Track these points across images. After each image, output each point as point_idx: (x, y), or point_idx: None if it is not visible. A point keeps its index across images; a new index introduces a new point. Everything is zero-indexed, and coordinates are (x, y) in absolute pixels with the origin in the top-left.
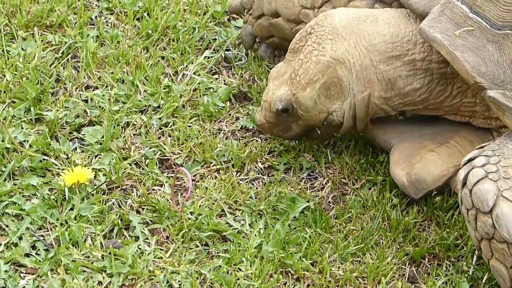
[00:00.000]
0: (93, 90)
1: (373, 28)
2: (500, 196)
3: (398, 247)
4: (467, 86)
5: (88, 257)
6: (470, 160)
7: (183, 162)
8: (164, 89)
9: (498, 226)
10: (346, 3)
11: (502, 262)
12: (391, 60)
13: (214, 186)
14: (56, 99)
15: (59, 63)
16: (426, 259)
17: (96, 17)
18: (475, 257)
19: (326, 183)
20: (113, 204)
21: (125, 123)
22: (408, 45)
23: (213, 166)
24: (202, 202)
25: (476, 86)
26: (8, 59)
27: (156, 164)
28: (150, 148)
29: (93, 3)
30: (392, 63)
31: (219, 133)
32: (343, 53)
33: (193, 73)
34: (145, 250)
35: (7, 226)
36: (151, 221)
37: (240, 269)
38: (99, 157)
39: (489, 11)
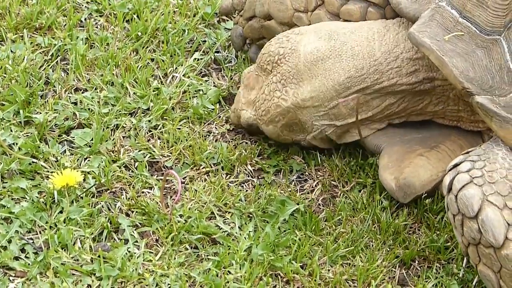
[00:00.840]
0: (82, 93)
1: (338, 65)
2: (485, 201)
3: (388, 249)
4: (447, 97)
5: (77, 260)
6: (455, 165)
7: (173, 165)
8: (153, 91)
9: (484, 231)
10: (339, 6)
11: (489, 267)
12: (360, 92)
13: (204, 188)
14: (45, 102)
15: (48, 65)
16: (416, 262)
17: (85, 19)
18: (465, 259)
19: (316, 186)
20: (103, 207)
21: (114, 126)
22: (375, 75)
23: (202, 168)
24: (191, 204)
25: (464, 92)
26: None
27: (146, 167)
28: (139, 151)
29: (82, 5)
30: (363, 92)
31: (209, 135)
32: (305, 99)
33: (183, 75)
34: (135, 253)
35: None
36: (140, 224)
37: (229, 272)
38: (89, 160)
39: (478, 16)
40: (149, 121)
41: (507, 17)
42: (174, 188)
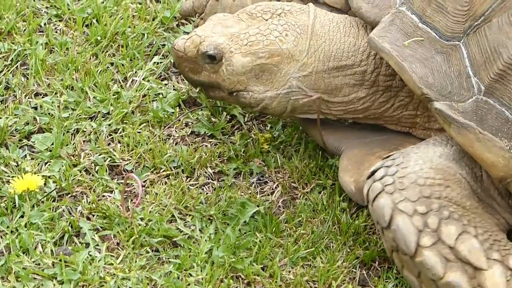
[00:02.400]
0: (42, 97)
1: (335, 34)
2: (395, 209)
3: (349, 250)
4: (410, 99)
5: (39, 264)
6: (373, 172)
7: (133, 168)
8: (113, 95)
9: (397, 240)
10: None
11: (411, 272)
12: (344, 68)
13: (164, 191)
14: (5, 107)
15: (8, 70)
16: (377, 262)
17: (45, 24)
18: None
19: (276, 188)
20: (63, 211)
21: (74, 130)
22: (362, 56)
23: (163, 171)
24: (152, 208)
25: (423, 98)
26: None
27: (106, 171)
28: (100, 155)
29: (42, 10)
30: (344, 71)
31: (169, 139)
32: (301, 52)
33: (143, 79)
34: (96, 256)
35: None
36: (101, 227)
37: (190, 275)
38: (49, 164)
39: (438, 21)
40: (109, 125)
41: (467, 23)
42: (134, 192)
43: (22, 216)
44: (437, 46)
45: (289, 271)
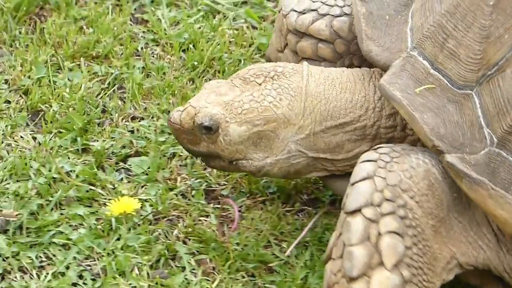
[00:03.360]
0: (139, 121)
1: (330, 93)
2: (370, 178)
3: None
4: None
5: (135, 287)
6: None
7: (229, 193)
8: None
9: (349, 195)
10: (295, 44)
11: (336, 229)
12: (343, 125)
13: (260, 217)
14: (102, 130)
15: (105, 93)
16: None
17: (142, 48)
18: None
19: None
20: (160, 234)
21: (171, 154)
22: (360, 111)
23: (259, 197)
24: (248, 233)
25: (435, 150)
26: (54, 89)
27: (202, 195)
28: (196, 179)
29: (139, 35)
30: (343, 128)
31: None
32: (296, 116)
33: None
34: (192, 280)
35: (54, 255)
36: (197, 251)
37: None
38: (146, 188)
39: (450, 69)
40: None
41: (480, 71)
42: (230, 217)
43: (118, 239)
44: (449, 94)
45: None
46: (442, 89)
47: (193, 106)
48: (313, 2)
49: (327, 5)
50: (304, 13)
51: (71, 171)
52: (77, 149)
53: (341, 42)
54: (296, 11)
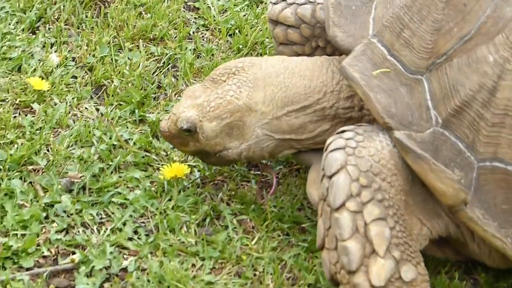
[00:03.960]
0: None
1: (290, 81)
2: (344, 168)
3: None
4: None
5: (183, 242)
6: (343, 131)
7: (268, 162)
8: None
9: (329, 191)
10: (272, 30)
11: (323, 223)
12: (303, 109)
13: (295, 183)
14: (157, 103)
15: (160, 71)
16: None
17: (193, 32)
18: None
19: None
20: (206, 196)
21: None
22: (318, 95)
23: (294, 166)
24: (284, 197)
25: (386, 126)
26: (116, 67)
27: (244, 163)
28: None
29: (191, 20)
30: (304, 111)
31: None
32: (257, 103)
33: None
34: (233, 237)
35: (113, 213)
36: (239, 212)
37: (316, 257)
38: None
39: (405, 56)
40: None
41: (430, 59)
42: (268, 182)
43: (169, 200)
44: (402, 78)
45: None
46: (396, 73)
47: (174, 113)
48: None
49: None
50: (276, 4)
51: (129, 139)
52: (135, 120)
53: (306, 26)
54: (272, 2)
